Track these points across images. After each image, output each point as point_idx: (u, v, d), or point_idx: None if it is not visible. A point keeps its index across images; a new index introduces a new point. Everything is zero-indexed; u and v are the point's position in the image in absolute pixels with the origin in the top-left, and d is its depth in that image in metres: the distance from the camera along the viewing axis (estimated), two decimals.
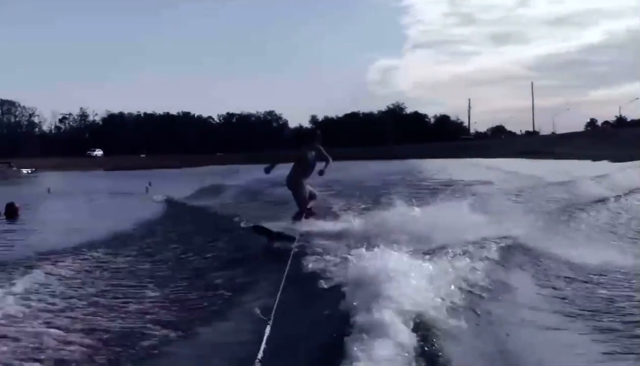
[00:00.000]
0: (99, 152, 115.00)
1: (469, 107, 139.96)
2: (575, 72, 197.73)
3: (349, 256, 7.86)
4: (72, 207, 27.27)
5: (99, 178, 63.32)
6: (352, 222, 12.21)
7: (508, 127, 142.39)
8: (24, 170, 76.62)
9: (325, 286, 7.26)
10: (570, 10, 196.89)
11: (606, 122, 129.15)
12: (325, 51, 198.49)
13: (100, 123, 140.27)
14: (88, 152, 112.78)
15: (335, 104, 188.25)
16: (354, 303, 5.78)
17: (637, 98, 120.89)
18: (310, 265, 8.60)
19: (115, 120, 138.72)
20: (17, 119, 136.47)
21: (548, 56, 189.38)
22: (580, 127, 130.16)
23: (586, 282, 8.96)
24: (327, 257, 8.88)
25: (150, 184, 31.81)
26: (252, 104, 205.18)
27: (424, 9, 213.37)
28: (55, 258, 11.87)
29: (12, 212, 20.89)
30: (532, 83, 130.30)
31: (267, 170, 12.86)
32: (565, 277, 9.19)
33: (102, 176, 68.53)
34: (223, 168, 56.82)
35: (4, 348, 6.54)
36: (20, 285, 9.30)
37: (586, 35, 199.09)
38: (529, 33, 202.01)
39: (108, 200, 31.82)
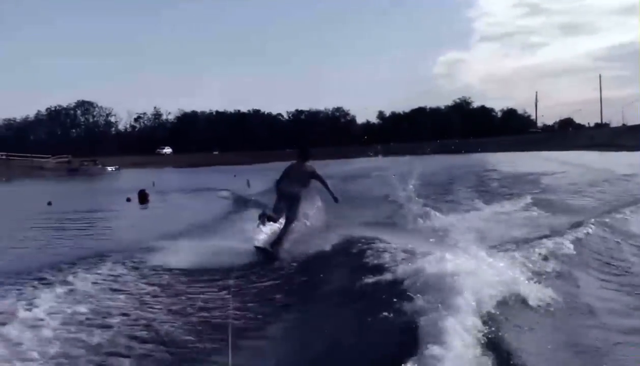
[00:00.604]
0: (168, 150, 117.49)
1: (536, 100, 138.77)
2: None
3: (419, 256, 7.90)
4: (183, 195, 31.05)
5: (181, 173, 65.56)
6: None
7: (577, 120, 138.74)
8: (109, 168, 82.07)
9: (393, 287, 7.03)
10: None
11: None
12: (392, 46, 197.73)
13: (175, 121, 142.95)
14: (157, 150, 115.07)
15: (402, 99, 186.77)
16: (425, 305, 5.83)
17: None
18: (382, 265, 8.33)
19: (188, 119, 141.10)
20: (95, 119, 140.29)
21: (617, 46, 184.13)
22: None
23: None
24: (396, 257, 8.66)
25: (248, 182, 32.97)
26: (320, 101, 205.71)
27: (491, 1, 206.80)
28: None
29: (143, 198, 24.77)
30: (600, 75, 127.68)
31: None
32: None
33: (180, 172, 70.80)
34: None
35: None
36: None
37: None
38: (598, 23, 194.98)
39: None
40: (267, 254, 11.26)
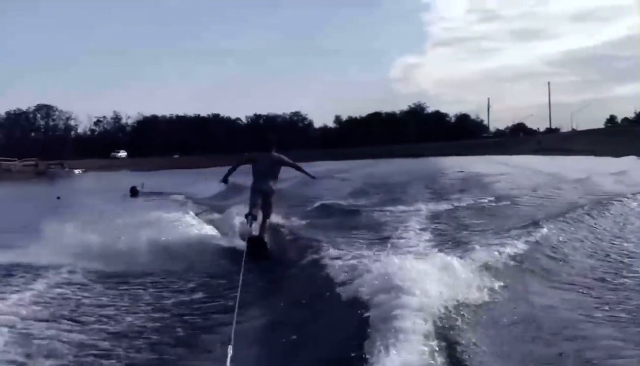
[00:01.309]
0: (123, 154, 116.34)
1: (488, 106, 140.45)
2: (598, 68, 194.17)
3: (367, 257, 7.96)
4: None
5: (140, 177, 65.54)
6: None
7: (529, 124, 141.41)
8: (76, 171, 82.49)
9: (344, 289, 7.02)
10: (594, 5, 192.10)
11: (625, 119, 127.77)
12: (348, 50, 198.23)
13: (135, 125, 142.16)
14: (112, 154, 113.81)
15: (359, 103, 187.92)
16: (374, 306, 5.87)
17: None
18: (328, 267, 8.41)
19: (148, 123, 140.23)
20: (55, 122, 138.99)
21: (571, 52, 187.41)
22: (602, 123, 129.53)
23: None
24: (345, 258, 8.64)
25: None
26: (278, 105, 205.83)
27: (446, 6, 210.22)
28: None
29: (135, 193, 29.99)
30: (548, 82, 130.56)
31: (225, 180, 12.55)
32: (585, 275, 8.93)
33: (139, 175, 70.58)
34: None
35: None
36: None
37: (609, 30, 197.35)
38: (552, 29, 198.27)
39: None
40: (261, 246, 11.07)
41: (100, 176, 67.45)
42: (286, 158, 11.98)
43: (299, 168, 12.08)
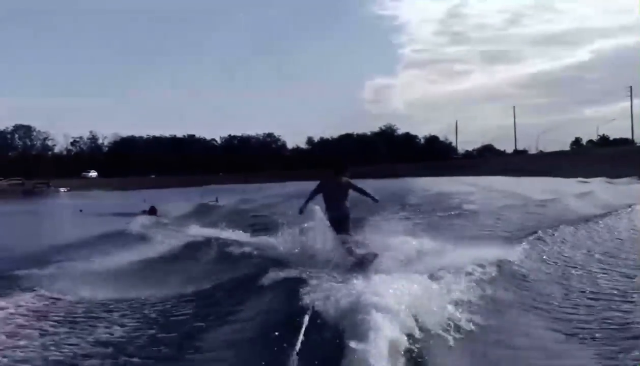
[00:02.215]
0: (93, 174, 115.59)
1: (456, 128, 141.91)
2: (564, 91, 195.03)
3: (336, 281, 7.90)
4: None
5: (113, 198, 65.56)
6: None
7: (498, 145, 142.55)
8: (61, 189, 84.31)
9: (313, 313, 6.75)
10: (561, 29, 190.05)
11: (590, 141, 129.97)
12: (322, 71, 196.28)
13: (112, 145, 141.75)
14: (83, 174, 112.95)
15: (332, 123, 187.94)
16: (341, 330, 5.82)
17: (614, 119, 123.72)
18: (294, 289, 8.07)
19: (125, 143, 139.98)
20: (32, 142, 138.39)
21: (538, 74, 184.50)
22: (568, 145, 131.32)
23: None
24: (313, 282, 8.38)
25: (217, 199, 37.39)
26: (253, 126, 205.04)
27: (417, 28, 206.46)
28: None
29: (153, 211, 29.18)
30: (514, 107, 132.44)
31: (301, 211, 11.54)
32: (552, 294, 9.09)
33: (112, 195, 70.49)
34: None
35: None
36: None
37: (576, 54, 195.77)
38: (520, 52, 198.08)
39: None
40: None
41: (85, 195, 68.17)
42: (353, 182, 11.41)
43: (364, 193, 11.41)
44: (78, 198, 63.98)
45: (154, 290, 10.35)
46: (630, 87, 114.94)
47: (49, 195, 74.04)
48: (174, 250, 14.99)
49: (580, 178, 50.27)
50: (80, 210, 36.63)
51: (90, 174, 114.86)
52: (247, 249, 13.11)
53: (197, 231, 17.58)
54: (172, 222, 24.60)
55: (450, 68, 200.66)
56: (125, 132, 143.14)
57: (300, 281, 8.47)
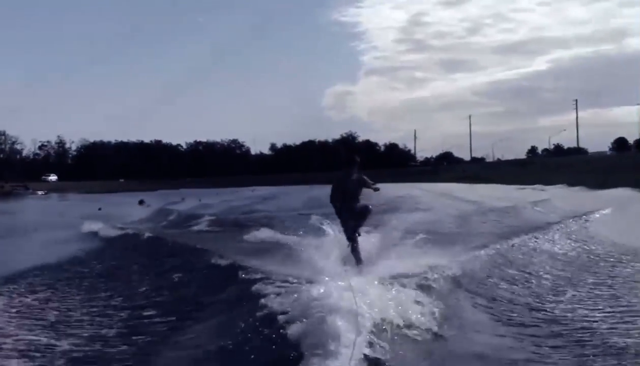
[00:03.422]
0: (53, 177, 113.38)
1: (415, 137, 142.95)
2: (522, 100, 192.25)
3: (296, 284, 7.86)
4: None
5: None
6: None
7: (457, 153, 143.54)
8: (39, 192, 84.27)
9: (272, 313, 6.88)
10: (519, 39, 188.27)
11: (545, 150, 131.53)
12: (283, 77, 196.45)
13: (81, 149, 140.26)
14: (43, 177, 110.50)
15: (294, 130, 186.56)
16: (303, 332, 5.82)
17: (564, 130, 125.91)
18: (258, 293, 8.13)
19: (92, 148, 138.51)
20: (2, 146, 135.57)
21: (496, 83, 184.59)
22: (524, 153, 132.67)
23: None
24: (274, 284, 8.44)
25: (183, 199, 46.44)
26: (218, 132, 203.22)
27: (378, 36, 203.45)
28: None
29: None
30: (469, 116, 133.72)
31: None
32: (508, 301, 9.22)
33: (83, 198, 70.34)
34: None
35: None
36: None
37: (534, 63, 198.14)
38: (480, 61, 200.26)
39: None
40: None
41: (63, 196, 72.31)
42: (364, 177, 11.06)
43: (369, 185, 11.00)
44: (61, 199, 66.55)
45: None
46: (576, 100, 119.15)
47: (32, 197, 74.93)
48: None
49: (530, 186, 51.31)
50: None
51: (50, 178, 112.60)
52: None
53: None
54: None
55: (410, 75, 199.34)
56: (92, 138, 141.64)
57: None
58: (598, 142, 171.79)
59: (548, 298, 9.61)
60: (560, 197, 34.29)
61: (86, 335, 7.97)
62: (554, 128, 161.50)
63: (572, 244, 15.53)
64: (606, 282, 10.98)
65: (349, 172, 10.77)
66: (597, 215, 21.39)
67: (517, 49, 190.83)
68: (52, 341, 7.49)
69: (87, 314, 9.12)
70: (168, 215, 29.15)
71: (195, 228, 21.81)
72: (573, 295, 9.79)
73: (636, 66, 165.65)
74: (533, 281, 11.02)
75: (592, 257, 14.00)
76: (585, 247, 15.37)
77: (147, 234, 18.20)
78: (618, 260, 13.41)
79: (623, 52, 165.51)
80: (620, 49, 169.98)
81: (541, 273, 11.73)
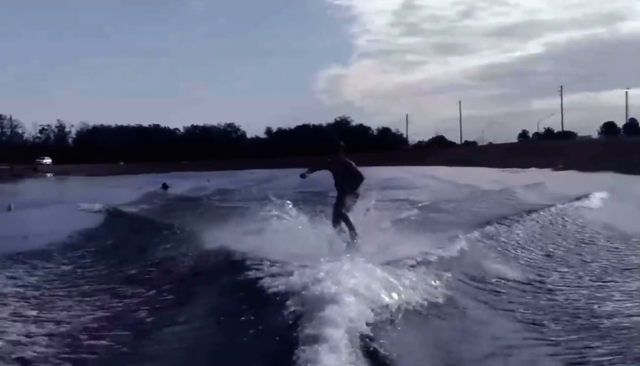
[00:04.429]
0: (47, 160, 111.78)
1: (407, 121, 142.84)
2: (516, 83, 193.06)
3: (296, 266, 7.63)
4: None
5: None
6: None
7: (450, 136, 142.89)
8: (47, 174, 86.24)
9: (272, 297, 6.74)
10: (513, 22, 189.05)
11: (536, 133, 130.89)
12: (276, 61, 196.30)
13: (82, 133, 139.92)
14: (37, 160, 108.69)
15: (288, 114, 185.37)
16: (302, 315, 5.66)
17: (553, 114, 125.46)
18: (254, 276, 7.92)
19: (92, 132, 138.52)
20: (3, 130, 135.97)
21: (490, 66, 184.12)
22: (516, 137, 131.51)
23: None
24: (272, 268, 8.19)
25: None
26: (215, 116, 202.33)
27: (371, 19, 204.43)
28: None
29: (165, 187, 40.15)
30: (460, 101, 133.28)
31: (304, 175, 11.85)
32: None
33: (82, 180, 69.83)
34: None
35: None
36: None
37: (527, 46, 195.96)
38: (473, 44, 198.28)
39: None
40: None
41: (70, 179, 72.00)
42: (353, 164, 11.52)
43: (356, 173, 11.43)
44: (74, 181, 65.55)
45: None
46: (561, 86, 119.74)
47: (44, 179, 76.23)
48: None
49: (516, 169, 51.38)
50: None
51: (44, 161, 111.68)
52: None
53: None
54: None
55: (403, 59, 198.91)
56: (92, 121, 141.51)
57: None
58: (587, 127, 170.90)
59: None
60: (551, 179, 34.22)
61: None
62: (547, 111, 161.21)
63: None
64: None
65: (337, 157, 11.53)
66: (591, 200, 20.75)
67: (511, 32, 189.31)
68: None
69: None
70: None
71: None
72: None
73: (628, 50, 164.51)
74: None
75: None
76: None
77: None
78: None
79: (615, 36, 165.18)
80: (613, 32, 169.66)
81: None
